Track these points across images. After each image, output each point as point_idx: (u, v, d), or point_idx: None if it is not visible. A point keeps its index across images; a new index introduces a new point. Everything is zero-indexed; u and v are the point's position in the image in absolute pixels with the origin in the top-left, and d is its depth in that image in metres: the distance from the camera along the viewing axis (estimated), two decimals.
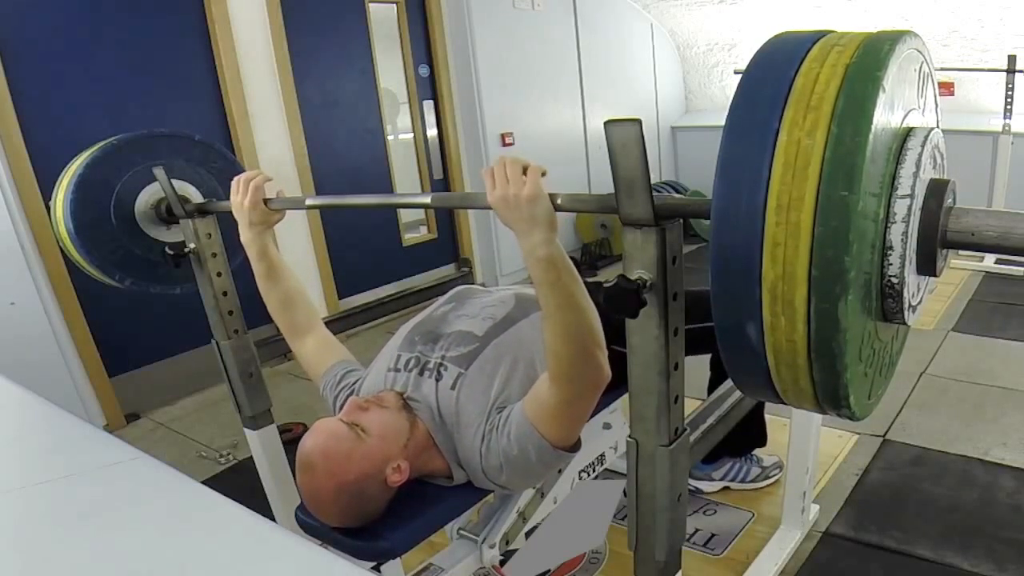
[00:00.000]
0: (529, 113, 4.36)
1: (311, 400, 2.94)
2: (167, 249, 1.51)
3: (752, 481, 2.00)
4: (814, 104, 0.54)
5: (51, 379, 2.62)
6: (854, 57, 0.56)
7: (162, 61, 2.91)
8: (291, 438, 2.19)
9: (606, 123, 0.76)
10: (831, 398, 0.61)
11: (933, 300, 3.46)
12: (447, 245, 4.30)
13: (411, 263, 4.05)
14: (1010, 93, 3.61)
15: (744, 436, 1.89)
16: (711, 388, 1.72)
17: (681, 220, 0.82)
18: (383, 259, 3.92)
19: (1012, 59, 3.56)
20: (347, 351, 1.53)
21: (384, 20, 3.76)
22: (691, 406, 1.04)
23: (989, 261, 3.89)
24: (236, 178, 1.37)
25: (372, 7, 3.66)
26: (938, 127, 0.70)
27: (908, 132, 0.61)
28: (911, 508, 1.86)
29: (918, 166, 0.59)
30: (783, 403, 0.67)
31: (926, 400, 2.45)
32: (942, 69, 4.18)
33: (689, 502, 1.91)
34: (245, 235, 1.39)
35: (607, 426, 1.68)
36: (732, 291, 0.59)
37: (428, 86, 4.03)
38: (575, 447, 1.24)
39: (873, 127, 0.53)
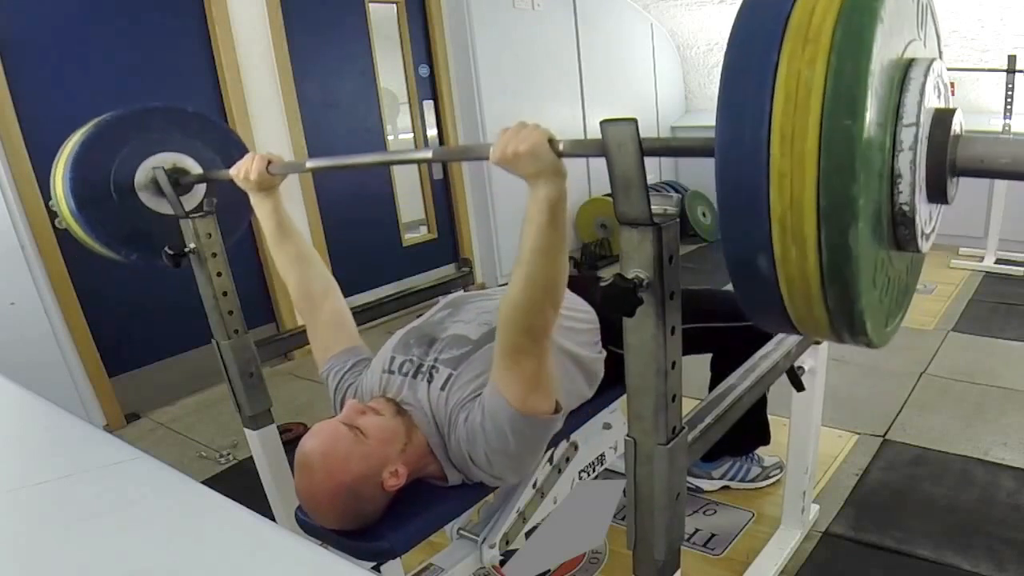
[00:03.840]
0: (529, 113, 4.35)
1: (311, 400, 2.95)
2: (167, 249, 1.51)
3: (752, 480, 2.01)
4: (812, 37, 0.54)
5: (51, 379, 2.62)
6: None
7: (162, 61, 2.91)
8: (291, 438, 2.19)
9: (602, 123, 0.76)
10: (847, 326, 0.61)
11: (933, 300, 3.46)
12: (447, 245, 4.30)
13: (411, 263, 4.05)
14: (1010, 93, 3.61)
15: (744, 435, 1.89)
16: (712, 388, 1.72)
17: (678, 220, 0.82)
18: (383, 259, 3.92)
19: (1012, 59, 3.56)
20: (357, 335, 1.52)
21: (384, 20, 3.76)
22: (692, 406, 1.04)
23: (989, 261, 3.89)
24: (248, 155, 1.40)
25: (372, 7, 3.66)
26: (940, 58, 0.70)
27: (910, 63, 0.61)
28: (911, 508, 1.86)
29: (922, 94, 0.59)
30: (799, 334, 0.68)
31: (926, 400, 2.45)
32: None
33: (688, 502, 1.91)
34: (254, 198, 1.43)
35: (607, 426, 1.68)
36: (741, 225, 0.59)
37: (428, 86, 4.03)
38: (553, 413, 1.22)
39: (873, 56, 0.53)
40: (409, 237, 4.12)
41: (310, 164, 1.37)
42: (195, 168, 1.58)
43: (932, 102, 0.61)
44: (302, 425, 2.56)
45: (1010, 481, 1.93)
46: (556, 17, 4.45)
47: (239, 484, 1.77)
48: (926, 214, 0.64)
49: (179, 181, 1.53)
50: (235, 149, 1.66)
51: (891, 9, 0.56)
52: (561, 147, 0.94)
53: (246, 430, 1.69)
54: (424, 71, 3.99)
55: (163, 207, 1.56)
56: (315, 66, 3.45)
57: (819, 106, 0.53)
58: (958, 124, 0.62)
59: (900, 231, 0.62)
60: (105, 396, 2.82)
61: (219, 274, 1.53)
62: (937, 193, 0.62)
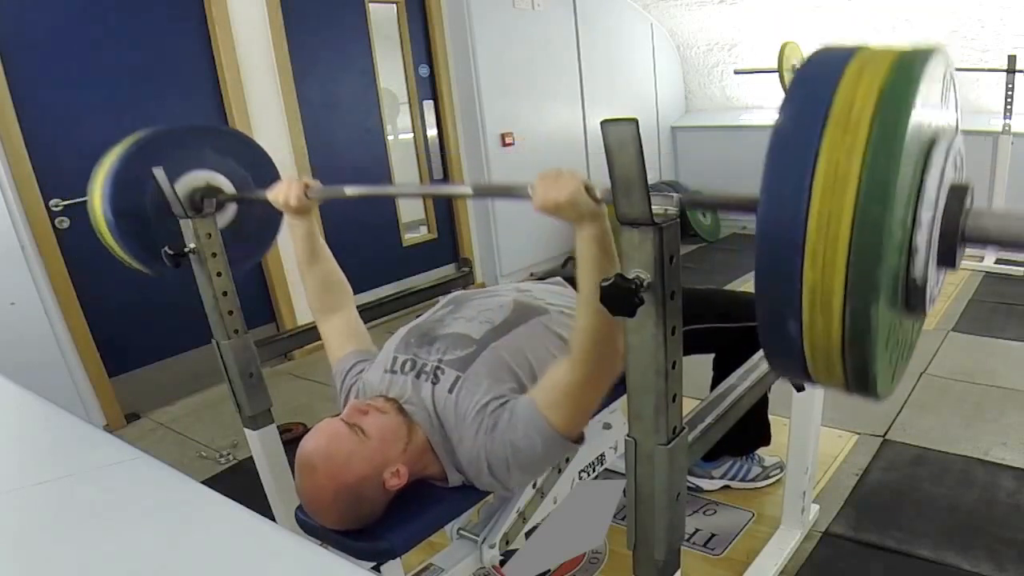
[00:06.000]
0: (529, 113, 4.36)
1: (311, 400, 2.95)
2: (167, 249, 1.51)
3: (752, 480, 2.01)
4: (851, 127, 0.59)
5: (51, 379, 2.62)
6: (887, 81, 0.60)
7: (162, 61, 2.91)
8: (291, 438, 2.19)
9: (603, 123, 0.76)
10: (860, 384, 0.67)
11: None
12: (447, 245, 4.30)
13: (411, 263, 4.05)
14: (1010, 93, 3.61)
15: (744, 435, 1.89)
16: (714, 388, 1.72)
17: (678, 220, 0.82)
18: (383, 259, 3.92)
19: (1012, 59, 3.56)
20: (369, 340, 1.56)
21: (384, 20, 3.76)
22: (692, 406, 1.04)
23: (989, 261, 3.89)
24: (286, 179, 1.46)
25: (372, 7, 3.66)
26: (958, 130, 0.73)
27: (933, 142, 0.64)
28: (911, 508, 1.86)
29: (942, 175, 0.63)
30: (813, 384, 0.73)
31: (926, 400, 2.45)
32: None
33: (688, 502, 1.91)
34: (290, 220, 1.48)
35: (607, 426, 1.68)
36: (775, 291, 0.65)
37: (428, 86, 4.03)
38: (579, 440, 1.26)
39: (905, 148, 0.58)
40: (409, 237, 4.12)
41: (350, 191, 1.42)
42: (228, 186, 1.61)
43: (949, 177, 0.66)
44: (302, 425, 2.56)
45: (1010, 481, 1.93)
46: (556, 17, 4.45)
47: (239, 484, 1.78)
48: (934, 279, 0.68)
49: (214, 199, 1.55)
50: (266, 167, 1.71)
51: (923, 94, 0.60)
52: (598, 193, 0.99)
53: (246, 430, 1.69)
54: (424, 71, 3.99)
55: None
56: (315, 66, 3.45)
57: (854, 194, 0.58)
58: (970, 198, 0.67)
59: (912, 298, 0.66)
60: (105, 396, 2.82)
61: (219, 274, 1.53)
62: (947, 259, 0.67)
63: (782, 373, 0.77)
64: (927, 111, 0.62)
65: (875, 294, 0.60)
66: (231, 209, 1.66)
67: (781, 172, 0.62)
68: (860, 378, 0.66)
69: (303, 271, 1.54)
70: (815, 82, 0.64)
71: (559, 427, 1.18)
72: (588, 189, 0.98)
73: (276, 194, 1.43)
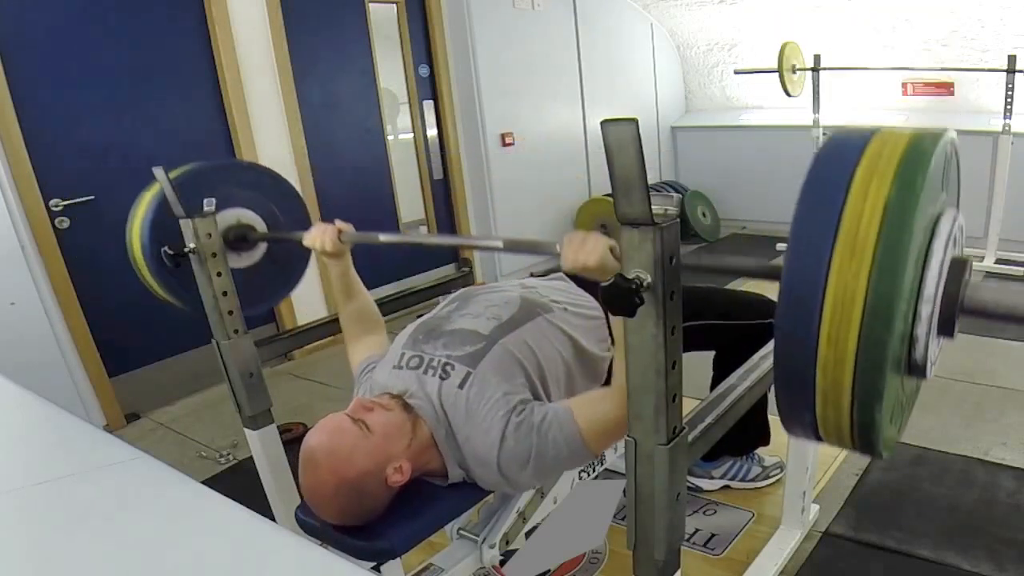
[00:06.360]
0: (529, 113, 4.36)
1: (311, 400, 2.95)
2: (167, 249, 1.51)
3: (752, 480, 2.00)
4: (858, 249, 0.65)
5: (51, 379, 2.62)
6: (892, 193, 0.65)
7: (162, 61, 2.91)
8: (291, 438, 2.19)
9: (603, 123, 0.76)
10: (865, 447, 0.76)
11: None
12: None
13: (411, 263, 4.05)
14: (1010, 93, 3.61)
15: (744, 435, 1.89)
16: (714, 387, 1.73)
17: (679, 219, 0.82)
18: (383, 259, 3.92)
19: (1012, 59, 3.56)
20: (388, 344, 1.59)
21: (384, 20, 3.76)
22: (692, 406, 1.04)
23: (989, 261, 3.88)
24: (319, 225, 1.54)
25: (372, 7, 3.66)
26: (958, 209, 0.78)
27: (934, 232, 0.70)
28: (911, 508, 1.86)
29: (941, 267, 0.69)
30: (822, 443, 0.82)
31: (926, 400, 2.44)
32: (942, 69, 4.17)
33: (688, 502, 1.91)
34: (326, 261, 1.57)
35: None
36: (791, 389, 0.73)
37: (428, 86, 4.03)
38: (601, 455, 1.32)
39: (908, 266, 0.65)
40: None
41: (384, 238, 1.49)
42: (259, 224, 1.68)
43: (949, 255, 0.71)
44: (302, 425, 2.56)
45: (1010, 481, 1.93)
46: (556, 17, 4.45)
47: (239, 484, 1.77)
48: (935, 348, 0.73)
49: (246, 237, 1.64)
50: (295, 204, 1.80)
51: (925, 207, 0.66)
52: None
53: (246, 430, 1.69)
54: (424, 71, 3.99)
55: (235, 262, 1.65)
56: (315, 66, 3.45)
57: (860, 313, 0.65)
58: (968, 272, 0.73)
59: (914, 369, 0.73)
60: (105, 396, 2.82)
61: (219, 274, 1.53)
62: (946, 330, 0.72)
63: (794, 435, 0.85)
64: (929, 205, 0.68)
65: (878, 398, 0.68)
66: (262, 246, 1.73)
67: (795, 289, 0.70)
68: (866, 443, 0.75)
69: (339, 305, 1.61)
70: (822, 193, 0.69)
71: (591, 446, 1.21)
72: (613, 250, 1.02)
73: (312, 240, 1.52)
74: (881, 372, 0.67)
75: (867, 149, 0.69)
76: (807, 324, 0.68)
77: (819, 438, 0.78)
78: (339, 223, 1.53)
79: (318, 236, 1.51)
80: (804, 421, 0.75)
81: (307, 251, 1.62)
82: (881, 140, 0.70)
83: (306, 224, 1.63)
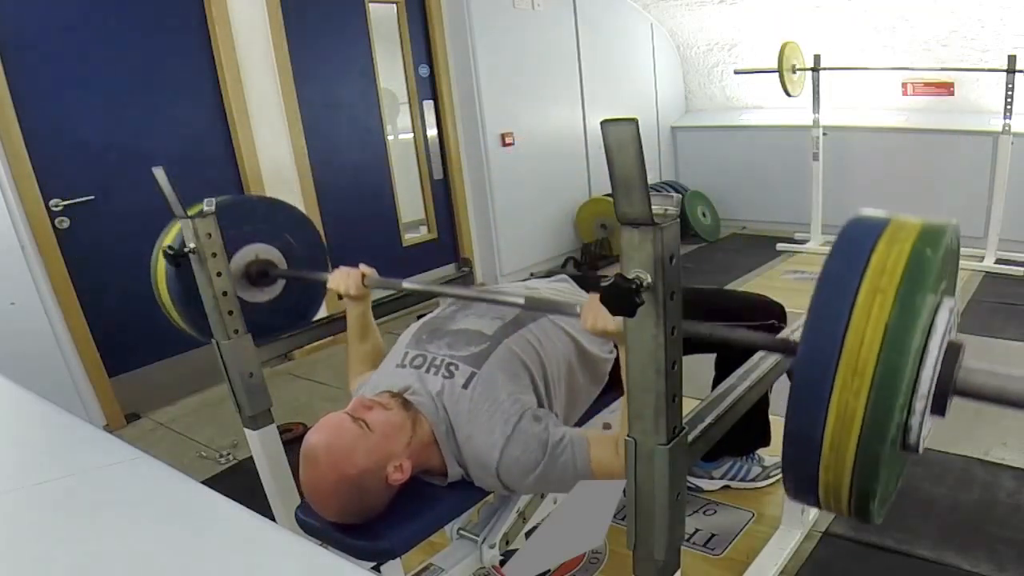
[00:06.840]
0: (529, 113, 4.36)
1: (311, 400, 2.95)
2: (167, 249, 1.51)
3: (752, 480, 2.00)
4: (860, 370, 0.70)
5: (51, 379, 2.62)
6: (893, 314, 0.69)
7: (162, 61, 2.91)
8: (291, 438, 2.19)
9: (603, 123, 0.76)
10: (859, 515, 0.82)
11: None
12: (447, 245, 4.30)
13: (411, 263, 4.05)
14: (1010, 93, 3.61)
15: (745, 435, 1.89)
16: (714, 388, 1.72)
17: (678, 219, 0.82)
18: (383, 259, 3.91)
19: (1012, 59, 3.56)
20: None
21: (384, 20, 3.76)
22: (692, 406, 1.04)
23: (989, 261, 3.88)
24: (343, 270, 1.58)
25: (372, 7, 3.66)
26: (954, 295, 0.82)
27: (932, 324, 0.73)
28: (911, 508, 1.86)
29: (936, 364, 0.73)
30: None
31: None
32: (942, 69, 4.17)
33: (688, 502, 1.91)
34: (346, 302, 1.60)
35: (607, 426, 1.68)
36: (799, 476, 0.81)
37: (428, 86, 4.03)
38: None
39: (903, 385, 0.70)
40: (409, 237, 4.12)
41: (407, 285, 1.52)
42: (280, 261, 1.74)
43: (945, 342, 0.74)
44: (302, 425, 2.56)
45: (1010, 481, 1.93)
46: (556, 17, 4.45)
47: (239, 484, 1.77)
48: (928, 427, 0.77)
49: (267, 272, 1.70)
50: (313, 239, 1.85)
51: (923, 315, 0.71)
52: None
53: (246, 430, 1.69)
54: (424, 71, 3.98)
55: (254, 296, 1.71)
56: (315, 66, 3.45)
57: (859, 429, 0.72)
58: (962, 355, 0.77)
59: (908, 447, 0.77)
60: (105, 396, 2.82)
61: (219, 274, 1.53)
62: (938, 409, 0.77)
63: (796, 499, 0.91)
64: (927, 313, 0.72)
65: (873, 495, 0.77)
66: (280, 282, 1.77)
67: (802, 404, 0.75)
68: (861, 511, 0.82)
69: (351, 343, 1.63)
70: (830, 322, 0.73)
71: (595, 476, 1.24)
72: None
73: (336, 283, 1.56)
74: (876, 472, 0.74)
75: (872, 259, 0.72)
76: (811, 438, 0.75)
77: (817, 496, 0.84)
78: (363, 267, 1.56)
79: (342, 280, 1.55)
80: (809, 498, 0.84)
81: (322, 287, 1.65)
82: (887, 244, 0.73)
83: (322, 255, 1.72)
